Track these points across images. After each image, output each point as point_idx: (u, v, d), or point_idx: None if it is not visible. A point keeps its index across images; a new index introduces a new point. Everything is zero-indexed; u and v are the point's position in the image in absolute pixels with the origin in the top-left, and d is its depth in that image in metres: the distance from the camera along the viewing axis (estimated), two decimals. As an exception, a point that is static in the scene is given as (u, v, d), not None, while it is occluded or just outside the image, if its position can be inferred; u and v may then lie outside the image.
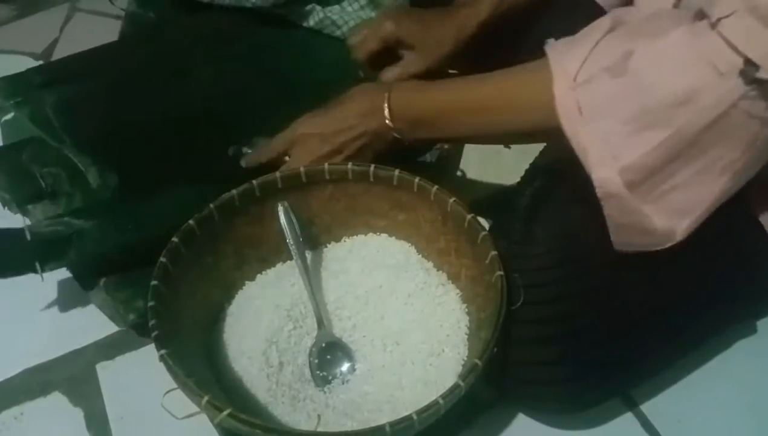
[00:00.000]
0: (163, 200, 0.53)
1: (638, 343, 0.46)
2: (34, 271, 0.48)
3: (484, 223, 0.47)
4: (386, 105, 0.49)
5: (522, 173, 0.56)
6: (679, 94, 0.35)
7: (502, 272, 0.43)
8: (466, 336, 0.47)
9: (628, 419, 0.50)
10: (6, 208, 0.56)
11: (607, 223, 0.40)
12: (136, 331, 0.51)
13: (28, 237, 0.49)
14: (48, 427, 0.48)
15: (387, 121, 0.49)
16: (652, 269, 0.44)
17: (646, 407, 0.50)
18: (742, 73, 0.33)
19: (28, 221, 0.56)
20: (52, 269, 0.49)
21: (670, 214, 0.38)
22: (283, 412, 0.44)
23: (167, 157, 0.58)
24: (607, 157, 0.37)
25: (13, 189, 0.56)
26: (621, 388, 0.50)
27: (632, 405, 0.50)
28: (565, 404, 0.47)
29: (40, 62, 0.82)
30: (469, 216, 0.47)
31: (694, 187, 0.38)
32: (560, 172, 0.52)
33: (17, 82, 0.62)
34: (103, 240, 0.50)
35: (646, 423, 0.50)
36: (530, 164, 0.56)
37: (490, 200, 0.62)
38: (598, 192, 0.39)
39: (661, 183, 0.37)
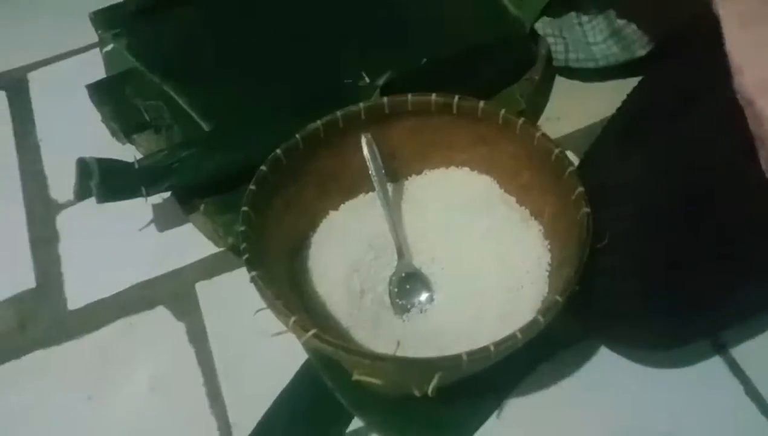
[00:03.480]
0: (260, 129, 0.55)
1: (733, 279, 0.43)
2: (141, 195, 0.52)
3: (574, 160, 0.46)
4: None
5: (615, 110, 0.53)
6: None
7: (588, 209, 0.42)
8: (547, 273, 0.47)
9: (716, 363, 0.48)
10: (114, 137, 0.61)
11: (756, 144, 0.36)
12: (234, 253, 0.55)
13: (136, 166, 0.52)
14: (155, 338, 0.53)
15: None
16: (744, 211, 0.42)
17: (736, 352, 0.48)
18: None
19: (132, 148, 0.60)
20: (155, 193, 0.53)
21: None
22: (364, 336, 0.46)
23: (267, 87, 0.59)
24: (756, 57, 0.34)
25: (119, 120, 0.60)
26: (712, 328, 0.48)
27: (721, 349, 0.48)
28: (651, 338, 0.46)
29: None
30: (556, 150, 0.45)
31: None
32: (657, 99, 0.49)
33: (114, 13, 0.65)
34: (202, 166, 0.53)
35: (735, 367, 0.48)
36: (627, 95, 0.53)
37: (579, 138, 0.60)
38: (740, 99, 0.35)
39: None
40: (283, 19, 0.64)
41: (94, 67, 0.68)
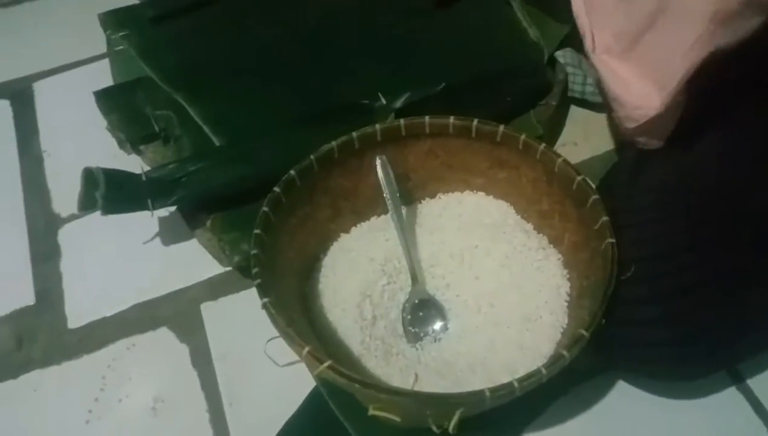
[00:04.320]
0: (270, 142, 0.54)
1: (750, 308, 0.42)
2: (147, 208, 0.51)
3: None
4: None
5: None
6: None
7: (612, 240, 0.40)
8: (566, 303, 0.45)
9: (733, 394, 0.47)
10: (120, 147, 0.59)
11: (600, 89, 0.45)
12: (241, 272, 0.53)
13: (143, 178, 0.51)
14: (157, 359, 0.51)
15: None
16: (765, 234, 0.41)
17: (754, 383, 0.47)
18: None
19: (139, 160, 0.59)
20: (162, 206, 0.52)
21: (646, 80, 0.42)
22: (376, 365, 0.44)
23: (278, 100, 0.58)
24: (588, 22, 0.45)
25: (127, 129, 0.59)
26: (730, 358, 0.46)
27: (739, 380, 0.47)
28: (668, 369, 0.45)
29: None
30: (578, 178, 0.44)
31: (666, 55, 0.41)
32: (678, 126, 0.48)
33: (126, 15, 0.64)
34: (212, 180, 0.52)
35: (754, 401, 0.46)
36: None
37: (596, 164, 0.59)
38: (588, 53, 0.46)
39: (633, 49, 0.42)
40: (300, 35, 0.64)
41: (101, 78, 0.66)
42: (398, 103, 0.55)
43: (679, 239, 0.42)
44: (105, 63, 0.68)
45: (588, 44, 0.49)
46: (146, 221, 0.57)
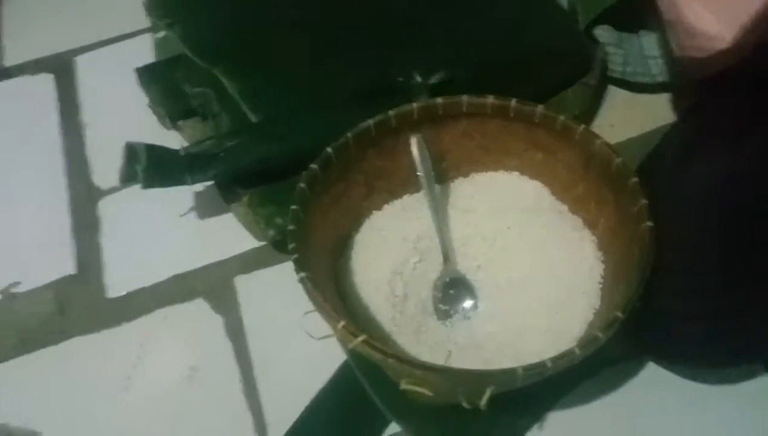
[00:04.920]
0: (305, 120, 0.54)
1: None
2: (185, 183, 0.52)
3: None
4: None
5: (669, 120, 0.51)
6: None
7: (651, 224, 0.40)
8: (600, 286, 0.45)
9: (765, 381, 0.46)
10: (160, 122, 0.60)
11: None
12: (275, 247, 0.54)
13: (182, 154, 0.52)
14: (192, 329, 0.53)
15: None
16: None
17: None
18: None
19: (178, 136, 0.60)
20: (200, 181, 0.53)
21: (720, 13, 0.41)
22: (406, 342, 0.45)
23: (317, 79, 0.58)
24: None
25: (166, 104, 0.60)
26: (761, 354, 0.46)
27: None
28: (698, 361, 0.45)
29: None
30: (618, 159, 0.43)
31: None
32: (720, 114, 0.47)
33: (170, 1, 0.64)
34: (248, 156, 0.53)
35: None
36: (690, 104, 0.51)
37: (633, 147, 0.58)
38: None
39: None
40: (337, 11, 0.63)
41: (142, 53, 0.68)
42: (433, 80, 0.54)
43: (723, 236, 0.41)
44: (147, 38, 0.68)
45: None
46: (183, 196, 0.58)
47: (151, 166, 0.51)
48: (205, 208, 0.59)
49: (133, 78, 0.62)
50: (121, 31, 0.73)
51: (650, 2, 0.46)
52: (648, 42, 0.59)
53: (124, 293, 0.55)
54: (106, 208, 0.60)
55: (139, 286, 0.55)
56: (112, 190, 0.61)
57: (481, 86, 0.49)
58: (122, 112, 0.64)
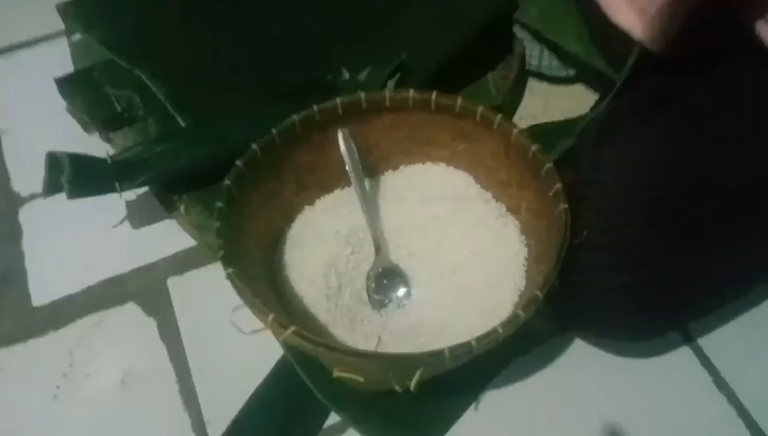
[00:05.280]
0: (235, 121, 0.54)
1: (701, 276, 0.45)
2: (114, 190, 0.51)
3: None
4: None
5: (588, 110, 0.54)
6: None
7: (566, 205, 0.42)
8: (524, 268, 0.47)
9: (684, 352, 0.49)
10: (86, 131, 0.58)
11: None
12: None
13: (109, 161, 0.51)
14: (125, 334, 0.52)
15: None
16: (722, 198, 0.44)
17: (703, 341, 0.50)
18: None
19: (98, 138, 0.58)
20: (130, 188, 0.52)
21: (635, 12, 0.44)
22: (342, 332, 0.45)
23: (245, 78, 0.58)
24: None
25: (91, 112, 0.58)
26: (681, 320, 0.49)
27: (689, 339, 0.50)
28: (626, 332, 0.47)
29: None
30: (533, 147, 0.45)
31: None
32: (633, 97, 0.50)
33: (83, 5, 0.62)
34: (178, 159, 0.52)
35: (703, 357, 0.49)
36: (600, 95, 0.54)
37: (556, 132, 0.60)
38: None
39: None
40: (264, 8, 0.63)
41: (59, 56, 0.65)
42: (362, 77, 0.55)
43: (641, 211, 0.44)
44: (63, 41, 0.66)
45: None
46: (110, 197, 0.57)
47: (76, 176, 0.50)
48: (133, 209, 0.57)
49: (50, 81, 0.60)
50: (36, 35, 0.71)
51: None
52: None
53: (50, 300, 0.54)
54: (27, 215, 0.58)
55: (67, 292, 0.54)
56: (33, 196, 0.59)
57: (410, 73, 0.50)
58: (40, 117, 0.62)
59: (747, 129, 0.46)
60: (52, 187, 0.50)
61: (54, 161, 0.50)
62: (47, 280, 0.55)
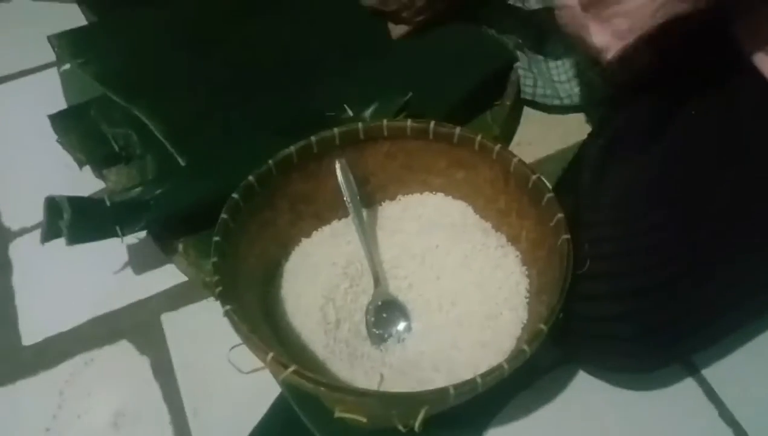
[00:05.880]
0: (235, 158, 0.53)
1: (704, 305, 0.44)
2: (115, 235, 0.49)
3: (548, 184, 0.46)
4: None
5: (584, 136, 0.54)
6: None
7: (568, 236, 0.42)
8: (526, 299, 0.46)
9: (689, 384, 0.48)
10: (79, 167, 0.57)
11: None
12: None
13: (108, 204, 0.50)
14: (117, 373, 0.50)
15: None
16: (721, 232, 0.43)
17: (708, 373, 0.49)
18: None
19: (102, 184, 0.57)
20: (131, 233, 0.50)
21: (610, 35, 0.44)
22: (341, 368, 0.44)
23: (245, 114, 0.57)
24: None
25: (86, 150, 0.56)
26: (687, 351, 0.48)
27: (694, 370, 0.49)
28: (627, 363, 0.46)
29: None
30: (534, 176, 0.45)
31: (633, 16, 0.43)
32: (631, 123, 0.50)
33: (76, 36, 0.62)
34: (180, 200, 0.51)
35: (708, 389, 0.48)
36: (599, 118, 0.54)
37: (551, 163, 0.60)
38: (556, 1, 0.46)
39: (609, 7, 0.43)
40: (264, 43, 0.63)
41: (51, 88, 0.65)
42: (366, 114, 0.55)
43: (640, 240, 0.43)
44: (53, 72, 0.66)
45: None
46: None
47: (76, 221, 0.48)
48: (129, 249, 0.56)
49: (41, 113, 0.59)
50: (27, 66, 0.70)
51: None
52: (554, 67, 0.63)
53: (41, 338, 0.52)
54: (17, 250, 0.57)
55: (58, 330, 0.52)
56: (23, 231, 0.58)
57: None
58: (31, 150, 0.61)
59: (744, 151, 0.46)
60: (51, 233, 0.48)
61: (53, 206, 0.48)
62: (38, 317, 0.53)
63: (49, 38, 0.61)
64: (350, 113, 0.56)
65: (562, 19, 0.47)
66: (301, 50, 0.63)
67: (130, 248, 0.56)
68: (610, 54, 0.45)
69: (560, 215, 0.42)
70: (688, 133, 0.47)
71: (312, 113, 0.56)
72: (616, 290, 0.43)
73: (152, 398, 0.49)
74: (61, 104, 0.63)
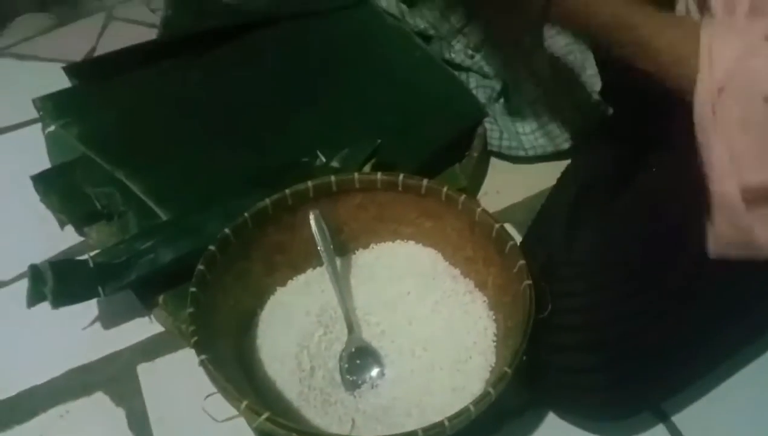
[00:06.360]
0: (214, 212, 0.54)
1: (671, 353, 0.46)
2: (98, 295, 0.50)
3: (513, 233, 0.48)
4: None
5: (550, 184, 0.56)
6: None
7: (530, 281, 0.44)
8: (494, 343, 0.48)
9: (659, 431, 0.50)
10: (60, 227, 0.58)
11: (709, 231, 0.41)
12: None
13: (91, 265, 0.51)
14: (91, 426, 0.50)
15: None
16: (687, 282, 0.45)
17: (677, 419, 0.50)
18: None
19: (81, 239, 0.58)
20: (113, 292, 0.51)
21: None
22: (315, 415, 0.45)
23: (222, 168, 0.59)
24: (733, 173, 0.38)
25: (68, 210, 0.58)
26: (655, 399, 0.50)
27: (664, 417, 0.50)
28: (598, 412, 0.48)
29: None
30: (497, 225, 0.47)
31: None
32: (597, 172, 0.52)
33: (60, 100, 0.63)
34: (161, 257, 0.52)
35: (675, 433, 0.50)
36: (566, 168, 0.57)
37: (517, 211, 0.63)
38: (715, 202, 0.39)
39: None
40: (237, 98, 0.66)
41: (32, 144, 0.66)
42: (336, 163, 0.57)
43: (613, 290, 0.45)
44: (33, 129, 0.67)
45: None
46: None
47: (59, 285, 0.49)
48: (104, 302, 0.57)
49: (21, 166, 0.60)
50: (8, 123, 0.71)
51: None
52: (519, 119, 0.66)
53: (14, 392, 0.52)
54: (-7, 303, 0.57)
55: (32, 384, 0.52)
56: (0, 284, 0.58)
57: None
58: (11, 204, 0.62)
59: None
60: (35, 298, 0.49)
61: (36, 273, 0.50)
62: (11, 371, 0.53)
63: (34, 101, 0.63)
64: (323, 159, 0.58)
65: (721, 220, 0.40)
66: (276, 100, 0.66)
67: (106, 300, 0.57)
68: None
69: (522, 262, 0.45)
70: (653, 186, 0.48)
71: (287, 162, 0.58)
72: (587, 342, 0.45)
73: (127, 450, 0.49)
74: (43, 160, 0.64)
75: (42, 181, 0.60)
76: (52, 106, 0.62)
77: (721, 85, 0.38)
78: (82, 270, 0.51)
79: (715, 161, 0.38)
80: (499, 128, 0.65)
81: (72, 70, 0.66)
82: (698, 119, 0.39)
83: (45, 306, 0.55)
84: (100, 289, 0.50)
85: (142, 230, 0.55)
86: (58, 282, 0.49)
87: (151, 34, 0.79)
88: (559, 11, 0.45)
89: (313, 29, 0.72)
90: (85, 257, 0.52)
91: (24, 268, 0.51)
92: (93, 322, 0.56)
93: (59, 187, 0.59)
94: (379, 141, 0.59)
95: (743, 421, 0.50)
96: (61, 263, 0.51)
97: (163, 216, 0.56)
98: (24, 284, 0.50)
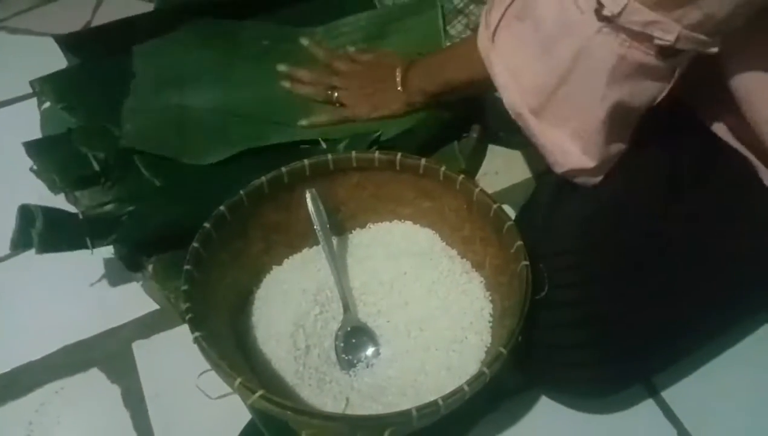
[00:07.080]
0: (208, 182, 0.54)
1: (661, 328, 0.46)
2: (86, 246, 0.50)
3: (511, 214, 0.48)
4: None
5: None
6: (558, 26, 0.42)
7: (527, 262, 0.43)
8: (490, 324, 0.48)
9: (649, 405, 0.50)
10: (50, 189, 0.57)
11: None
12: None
13: (81, 217, 0.51)
14: (87, 402, 0.50)
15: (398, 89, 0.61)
16: (674, 254, 0.45)
17: (667, 394, 0.51)
18: (596, 12, 0.39)
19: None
20: (101, 246, 0.51)
21: (572, 137, 0.45)
22: (310, 394, 0.45)
23: (214, 140, 0.59)
24: (511, 82, 0.46)
25: (64, 171, 0.56)
26: (645, 373, 0.50)
27: (653, 392, 0.51)
28: (589, 387, 0.48)
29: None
30: (495, 205, 0.47)
31: (582, 112, 0.43)
32: None
33: (62, 83, 0.63)
34: (152, 219, 0.52)
35: (667, 410, 0.50)
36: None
37: (516, 192, 0.63)
38: (511, 114, 0.47)
39: (557, 108, 0.44)
40: (242, 73, 0.65)
41: (26, 119, 0.65)
42: (339, 148, 0.57)
43: (595, 268, 0.45)
44: (28, 104, 0.66)
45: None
46: (72, 260, 0.56)
47: (48, 230, 0.49)
48: (97, 272, 0.57)
49: (15, 141, 0.59)
50: (2, 98, 0.71)
51: None
52: None
53: (9, 368, 0.52)
54: (-15, 279, 0.57)
55: (27, 359, 0.52)
56: (-7, 260, 0.58)
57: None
58: (3, 180, 0.61)
59: (694, 181, 0.48)
60: (21, 240, 0.49)
61: (26, 213, 0.49)
62: (7, 346, 0.53)
63: (32, 83, 0.63)
64: (324, 146, 0.58)
65: (524, 130, 0.47)
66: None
67: (102, 277, 0.57)
68: (590, 162, 0.45)
69: (519, 243, 0.44)
70: (636, 169, 0.48)
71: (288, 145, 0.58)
72: (576, 318, 0.45)
73: (122, 426, 0.49)
74: (37, 135, 0.64)
75: (35, 147, 0.59)
76: (51, 90, 0.62)
77: (493, 28, 0.47)
78: (72, 221, 0.51)
79: (498, 76, 0.47)
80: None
81: (66, 42, 0.65)
82: (484, 55, 0.47)
83: (42, 282, 0.56)
84: (88, 240, 0.50)
85: (135, 192, 0.55)
86: (46, 226, 0.49)
87: (148, 7, 0.78)
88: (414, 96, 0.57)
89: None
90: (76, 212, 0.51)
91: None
92: (90, 299, 0.56)
93: (53, 152, 0.58)
94: (380, 132, 0.59)
95: (733, 396, 0.50)
96: (51, 209, 0.51)
97: (157, 181, 0.55)
98: (20, 260, 0.50)
